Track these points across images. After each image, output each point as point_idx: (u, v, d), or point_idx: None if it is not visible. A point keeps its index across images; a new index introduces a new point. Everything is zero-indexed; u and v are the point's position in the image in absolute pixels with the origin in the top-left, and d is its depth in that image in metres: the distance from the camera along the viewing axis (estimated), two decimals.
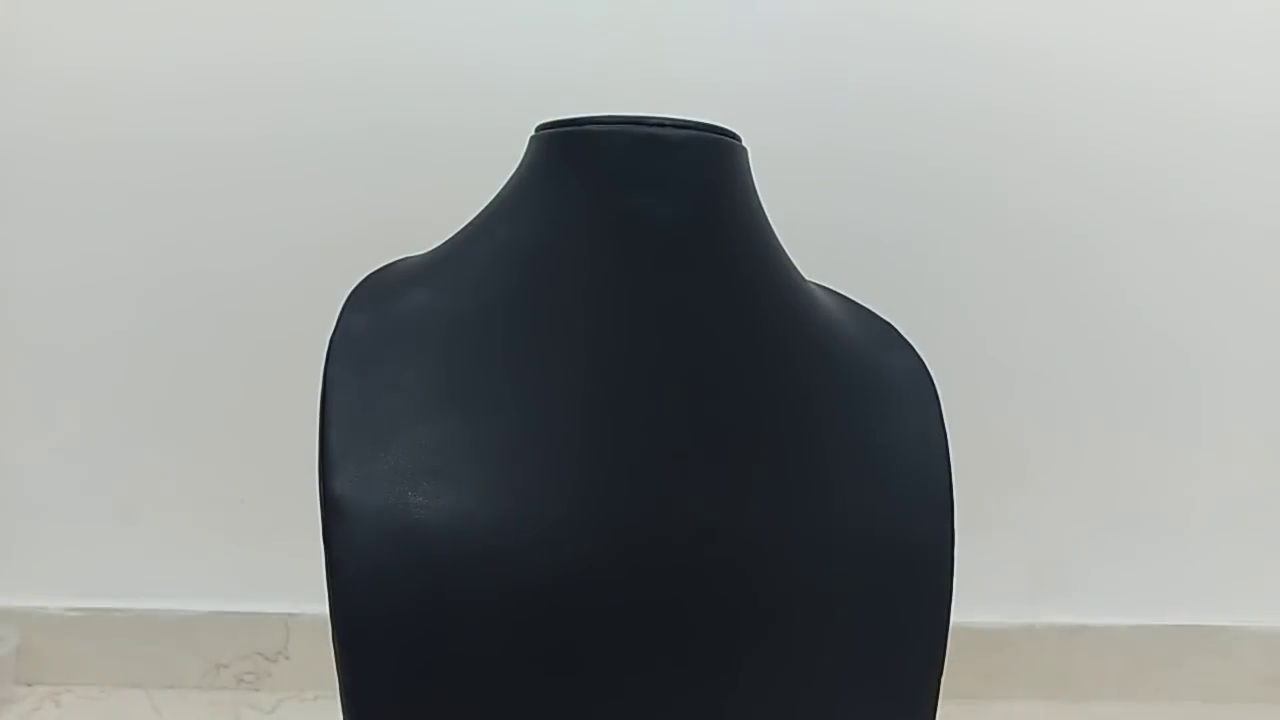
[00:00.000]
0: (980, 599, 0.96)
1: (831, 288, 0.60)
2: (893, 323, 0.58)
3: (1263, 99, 0.96)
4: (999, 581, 0.99)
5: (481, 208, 0.54)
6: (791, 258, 0.55)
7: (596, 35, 0.91)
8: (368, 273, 0.54)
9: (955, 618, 0.50)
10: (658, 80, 0.90)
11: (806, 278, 0.56)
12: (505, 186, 0.53)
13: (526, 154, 0.53)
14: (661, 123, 0.49)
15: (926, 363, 0.56)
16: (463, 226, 0.54)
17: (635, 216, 0.48)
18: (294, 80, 0.91)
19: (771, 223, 0.54)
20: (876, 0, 0.93)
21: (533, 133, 0.53)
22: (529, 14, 0.91)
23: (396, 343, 0.48)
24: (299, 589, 0.94)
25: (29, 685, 0.95)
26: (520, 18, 0.92)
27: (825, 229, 0.93)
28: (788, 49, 0.93)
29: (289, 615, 0.95)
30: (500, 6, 0.92)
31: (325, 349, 0.48)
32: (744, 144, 0.53)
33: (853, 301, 0.59)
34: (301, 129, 0.92)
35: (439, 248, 0.54)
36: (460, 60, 0.91)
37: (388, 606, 0.42)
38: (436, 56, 0.91)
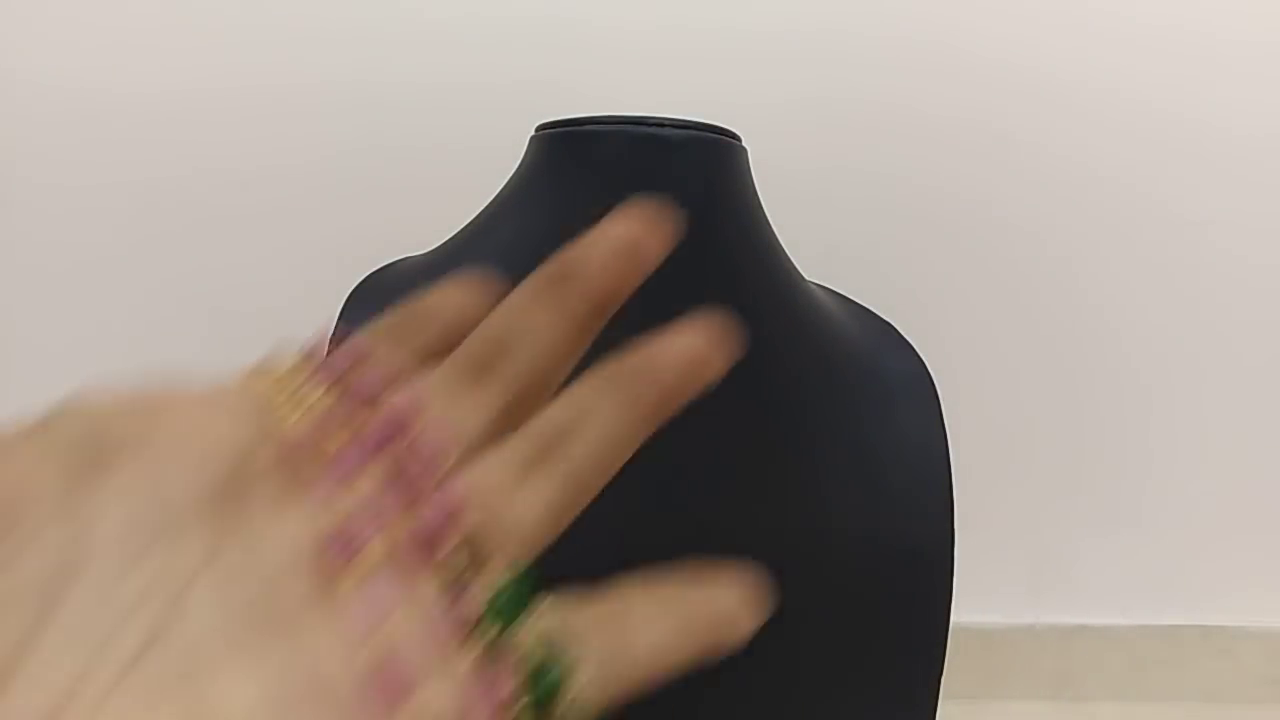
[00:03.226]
0: (980, 599, 0.97)
1: (831, 288, 0.60)
2: (892, 323, 0.58)
3: (1260, 120, 0.96)
4: (998, 581, 0.99)
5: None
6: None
7: (598, 56, 0.92)
8: (368, 272, 0.54)
9: (954, 618, 0.50)
10: (657, 101, 0.90)
11: (806, 278, 0.56)
12: (505, 186, 0.53)
13: (526, 154, 0.53)
14: (661, 123, 0.49)
15: (927, 364, 0.56)
16: (463, 226, 0.54)
17: None
18: (293, 98, 0.92)
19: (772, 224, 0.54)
20: (876, 19, 0.93)
21: (532, 133, 0.53)
22: (530, 33, 0.92)
23: None
24: None
25: None
26: (521, 38, 0.92)
27: (824, 238, 0.93)
28: (785, 67, 0.93)
29: None
30: (501, 27, 0.92)
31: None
32: (744, 144, 0.53)
33: (853, 302, 0.59)
34: (297, 135, 0.92)
35: (439, 247, 0.54)
36: (463, 80, 0.91)
37: None
38: (439, 75, 0.91)
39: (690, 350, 0.30)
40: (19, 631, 0.21)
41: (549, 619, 0.25)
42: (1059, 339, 0.98)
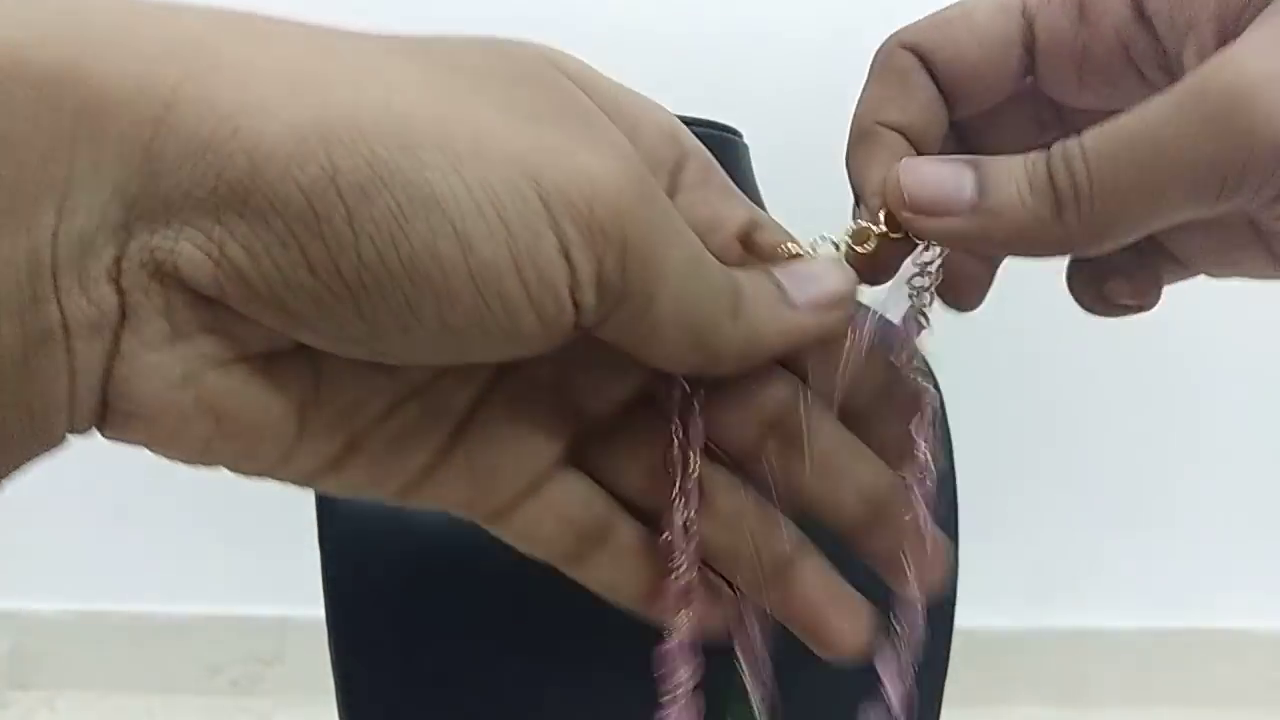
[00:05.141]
0: (985, 602, 0.96)
1: None
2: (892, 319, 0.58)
3: None
4: (1004, 585, 0.99)
5: None
6: None
7: (597, 53, 0.91)
8: None
9: (959, 622, 0.49)
10: (657, 97, 0.89)
11: None
12: None
13: None
14: None
15: (929, 361, 0.55)
16: None
17: None
18: None
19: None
20: (878, 14, 0.93)
21: None
22: (529, 33, 0.91)
23: None
24: (295, 592, 0.93)
25: (23, 689, 0.94)
26: (520, 37, 0.91)
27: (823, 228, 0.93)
28: (787, 63, 0.92)
29: (284, 618, 0.95)
30: (501, 28, 0.91)
31: None
32: (745, 140, 0.52)
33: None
34: None
35: None
36: None
37: (385, 609, 0.41)
38: None
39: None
40: None
41: None
42: (1066, 339, 0.97)
